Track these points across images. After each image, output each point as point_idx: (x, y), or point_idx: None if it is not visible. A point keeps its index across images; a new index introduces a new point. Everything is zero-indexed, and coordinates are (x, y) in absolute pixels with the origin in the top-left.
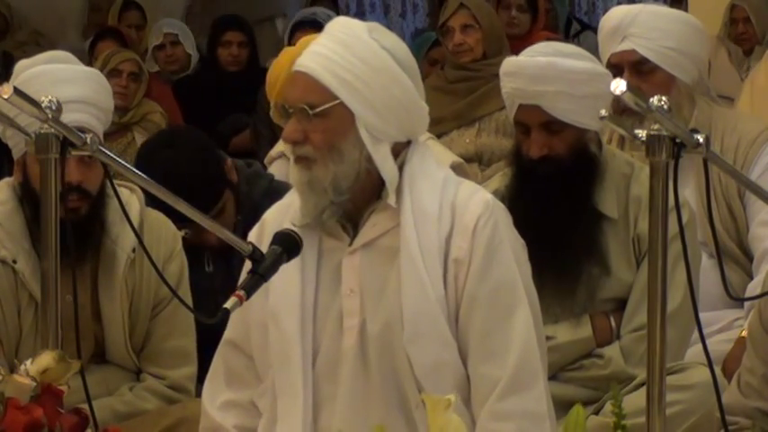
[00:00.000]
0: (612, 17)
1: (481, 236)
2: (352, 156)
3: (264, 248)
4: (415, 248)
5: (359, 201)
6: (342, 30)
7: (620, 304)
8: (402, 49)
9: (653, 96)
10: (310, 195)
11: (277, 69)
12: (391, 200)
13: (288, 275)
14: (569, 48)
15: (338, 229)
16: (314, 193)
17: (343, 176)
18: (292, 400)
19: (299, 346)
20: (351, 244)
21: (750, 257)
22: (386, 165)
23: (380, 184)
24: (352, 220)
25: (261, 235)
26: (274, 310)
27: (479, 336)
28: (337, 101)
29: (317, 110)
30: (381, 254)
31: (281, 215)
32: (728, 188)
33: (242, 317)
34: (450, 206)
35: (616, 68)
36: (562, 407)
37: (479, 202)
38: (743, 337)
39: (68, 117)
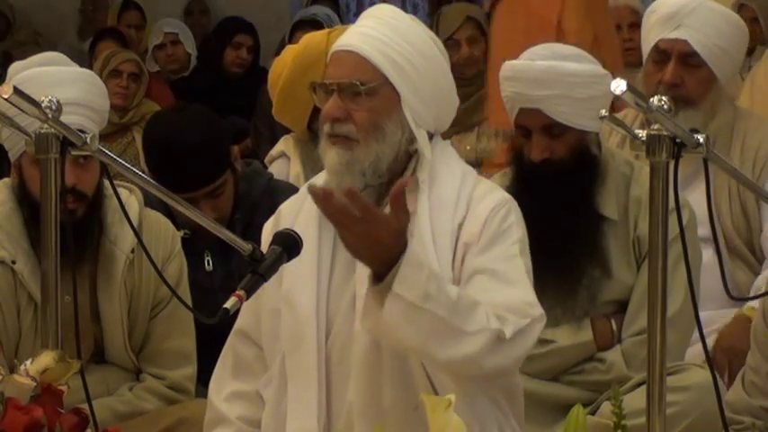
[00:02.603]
0: (669, 2)
1: (492, 222)
2: (394, 136)
3: None
4: (428, 234)
5: (383, 184)
6: (388, 14)
7: (621, 306)
8: (439, 40)
9: (692, 90)
10: (347, 176)
11: (279, 67)
12: (423, 182)
13: (304, 260)
14: (568, 49)
15: None
16: (350, 175)
17: (383, 157)
18: (305, 383)
19: (313, 326)
20: None
21: (758, 258)
22: (427, 148)
23: (402, 168)
24: None
25: (277, 226)
26: (289, 292)
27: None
28: (385, 81)
29: (368, 86)
30: None
31: (297, 205)
32: (746, 188)
33: (253, 306)
34: (467, 198)
35: (663, 54)
36: (562, 408)
37: (496, 198)
38: (741, 315)
39: (63, 119)
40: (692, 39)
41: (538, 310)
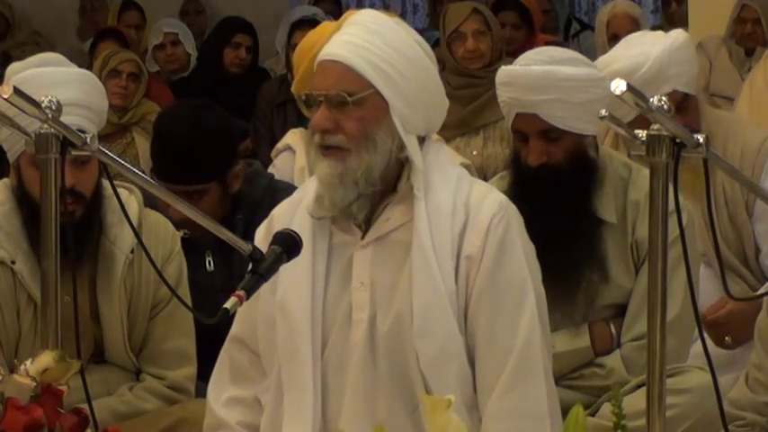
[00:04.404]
0: (645, 65)
1: (494, 234)
2: (385, 145)
3: None
4: (428, 243)
5: (377, 193)
6: (372, 20)
7: (620, 310)
8: (426, 42)
9: (694, 124)
10: (339, 188)
11: (312, 39)
12: (418, 189)
13: (298, 269)
14: (563, 53)
15: (350, 224)
16: (343, 186)
17: (375, 166)
18: (300, 394)
19: (308, 338)
20: (363, 238)
21: (751, 269)
22: (417, 155)
23: (396, 177)
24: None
25: (269, 231)
26: (283, 303)
27: (485, 332)
28: (372, 90)
29: (355, 97)
30: (394, 248)
31: (290, 211)
32: (735, 201)
33: (248, 312)
34: (464, 203)
35: None
36: (561, 411)
37: (494, 202)
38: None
39: (61, 120)
40: (679, 85)
41: (543, 350)
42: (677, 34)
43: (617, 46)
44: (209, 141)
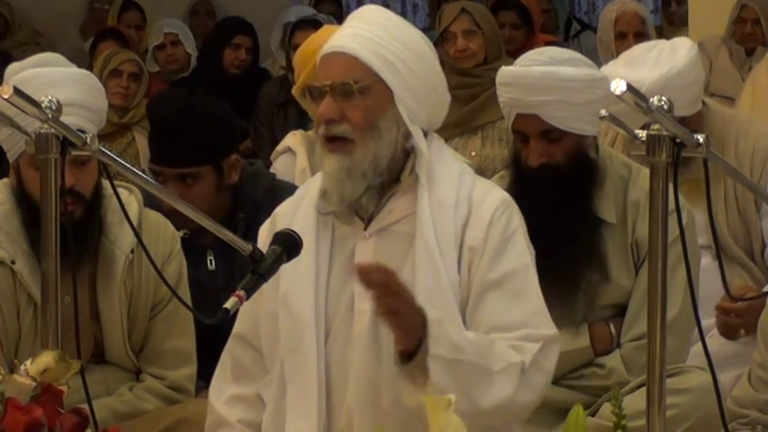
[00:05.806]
0: (634, 74)
1: (496, 226)
2: (390, 134)
3: None
4: (431, 234)
5: (381, 184)
6: (377, 14)
7: (620, 310)
8: (427, 38)
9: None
10: (348, 182)
11: (315, 43)
12: (423, 177)
13: (301, 263)
14: (564, 54)
15: (352, 216)
16: (352, 179)
17: (381, 156)
18: (304, 386)
19: (312, 330)
20: (365, 229)
21: (757, 263)
22: (423, 143)
23: (401, 168)
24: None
25: (273, 230)
26: (286, 295)
27: (489, 315)
28: (377, 77)
29: (360, 85)
30: (396, 239)
31: (293, 209)
32: (745, 195)
33: (251, 310)
34: (467, 197)
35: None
36: (561, 412)
37: (497, 198)
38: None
39: (61, 120)
40: (676, 110)
41: (550, 329)
42: (680, 57)
43: (619, 59)
44: (202, 122)
